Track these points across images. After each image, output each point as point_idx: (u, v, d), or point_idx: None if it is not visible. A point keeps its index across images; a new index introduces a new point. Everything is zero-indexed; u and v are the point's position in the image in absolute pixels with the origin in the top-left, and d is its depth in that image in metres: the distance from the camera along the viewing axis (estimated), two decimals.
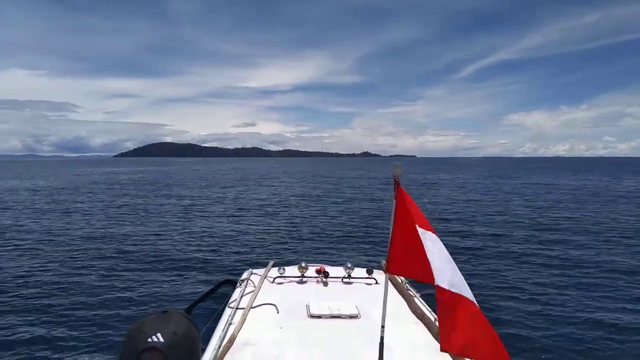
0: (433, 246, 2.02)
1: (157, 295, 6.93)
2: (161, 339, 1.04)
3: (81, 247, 10.41)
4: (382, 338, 2.31)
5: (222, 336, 2.87)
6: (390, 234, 2.21)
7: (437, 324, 3.12)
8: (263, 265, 4.88)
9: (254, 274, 4.47)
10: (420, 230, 2.05)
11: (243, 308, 3.40)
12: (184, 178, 45.10)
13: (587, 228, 13.16)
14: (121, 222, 14.51)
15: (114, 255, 9.65)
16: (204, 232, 12.81)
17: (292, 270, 4.38)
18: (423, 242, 2.01)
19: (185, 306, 5.58)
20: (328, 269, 4.37)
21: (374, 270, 4.35)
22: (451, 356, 2.67)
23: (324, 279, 4.21)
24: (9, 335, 5.38)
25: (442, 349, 1.84)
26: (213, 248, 10.56)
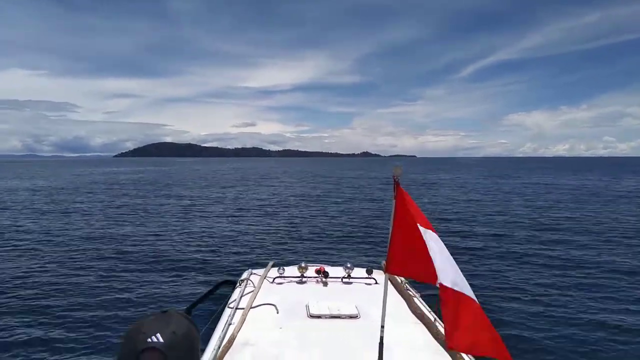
0: (435, 245, 2.03)
1: (156, 296, 6.91)
2: (161, 339, 1.04)
3: (80, 248, 10.39)
4: (381, 338, 2.31)
5: (221, 336, 2.87)
6: (390, 234, 2.21)
7: (437, 324, 3.12)
8: (263, 265, 4.88)
9: (254, 274, 4.47)
10: (422, 229, 2.06)
11: (243, 308, 3.40)
12: (183, 178, 45.09)
13: (588, 228, 13.13)
14: (121, 223, 14.50)
15: (113, 255, 9.62)
16: (203, 232, 12.81)
17: (292, 271, 4.38)
18: (426, 241, 2.02)
19: (185, 306, 5.58)
20: (328, 269, 4.37)
21: (374, 270, 4.35)
22: (451, 356, 2.68)
23: (323, 279, 4.21)
24: (6, 337, 5.34)
25: (448, 347, 1.85)
26: (213, 248, 10.55)
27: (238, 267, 8.37)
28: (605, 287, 7.34)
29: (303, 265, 4.30)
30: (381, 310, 2.30)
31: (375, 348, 2.33)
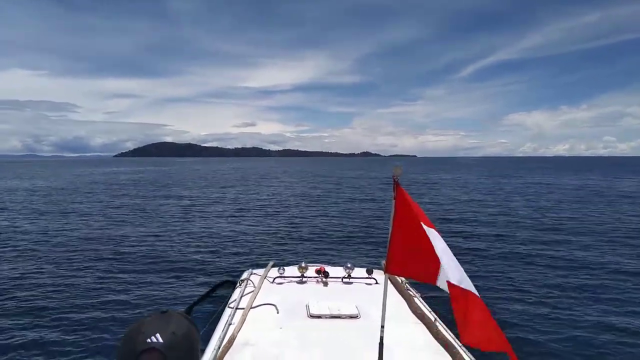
0: (440, 244, 2.04)
1: (156, 297, 6.90)
2: (160, 340, 1.04)
3: (79, 249, 10.35)
4: (381, 338, 2.31)
5: (222, 336, 2.87)
6: (390, 234, 2.21)
7: (437, 324, 3.12)
8: (263, 265, 4.88)
9: (254, 274, 4.47)
10: (425, 228, 2.06)
11: (243, 308, 3.40)
12: (183, 178, 45.09)
13: (591, 228, 13.08)
14: (120, 223, 14.49)
15: (112, 256, 9.59)
16: (203, 232, 12.80)
17: (292, 271, 4.38)
18: (432, 240, 2.03)
19: (185, 307, 5.58)
20: (328, 269, 4.37)
21: (374, 270, 4.34)
22: (451, 356, 2.67)
23: (324, 279, 4.21)
24: (3, 339, 5.27)
25: (463, 343, 1.87)
26: (213, 248, 10.54)
27: (238, 267, 8.37)
28: (610, 289, 7.26)
29: (303, 265, 4.30)
30: (381, 311, 2.30)
31: (375, 348, 2.32)
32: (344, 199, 22.78)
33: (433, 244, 2.02)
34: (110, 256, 9.58)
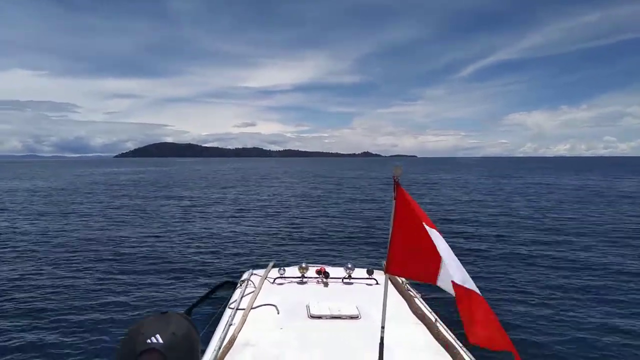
0: (442, 244, 2.04)
1: (157, 298, 6.89)
2: (160, 340, 1.04)
3: (78, 250, 10.33)
4: (382, 339, 2.31)
5: (222, 337, 2.87)
6: (390, 235, 2.21)
7: (437, 324, 3.12)
8: (263, 266, 4.87)
9: (254, 274, 4.46)
10: (427, 228, 2.06)
11: (243, 309, 3.40)
12: (184, 178, 45.10)
13: (592, 229, 13.05)
14: (120, 224, 14.49)
15: (112, 257, 9.57)
16: (204, 233, 12.80)
17: (293, 271, 4.37)
18: (434, 240, 2.02)
19: (186, 307, 5.57)
20: (328, 269, 4.37)
21: (375, 271, 4.34)
22: (451, 356, 2.67)
23: (324, 280, 4.20)
24: (1, 341, 5.23)
25: (470, 342, 1.86)
26: (213, 249, 10.53)
27: (239, 267, 8.36)
28: (613, 290, 7.21)
29: (304, 265, 4.29)
30: (381, 311, 2.29)
31: (375, 348, 2.32)
32: (344, 200, 22.77)
33: (435, 244, 2.02)
34: (110, 257, 9.56)
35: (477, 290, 1.95)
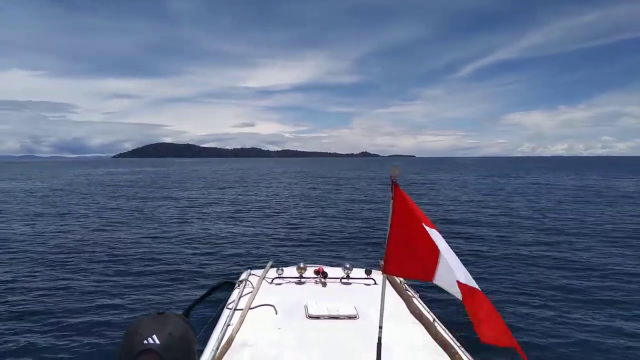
0: (442, 244, 2.04)
1: (154, 299, 6.85)
2: (157, 341, 1.04)
3: (74, 251, 10.24)
4: (379, 339, 2.31)
5: (220, 337, 2.86)
6: (388, 235, 2.21)
7: (435, 324, 3.12)
8: (261, 266, 4.86)
9: (252, 274, 4.46)
10: (427, 228, 2.06)
11: (241, 309, 3.39)
12: (182, 179, 45.05)
13: (592, 229, 13.02)
14: (117, 225, 14.45)
15: (109, 259, 9.49)
16: (202, 233, 12.78)
17: (291, 271, 4.37)
18: (435, 240, 2.03)
19: (184, 308, 5.56)
20: (327, 269, 4.36)
21: (373, 271, 4.34)
22: (449, 356, 2.67)
23: (322, 280, 4.20)
24: None
25: (482, 341, 1.86)
26: (211, 250, 10.51)
27: (237, 268, 8.35)
28: (616, 291, 7.13)
29: (302, 265, 4.29)
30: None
31: (374, 348, 2.32)
32: (342, 200, 22.78)
33: (437, 243, 2.02)
34: (106, 258, 9.48)
35: (479, 289, 1.96)
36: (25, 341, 5.27)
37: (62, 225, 14.26)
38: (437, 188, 30.55)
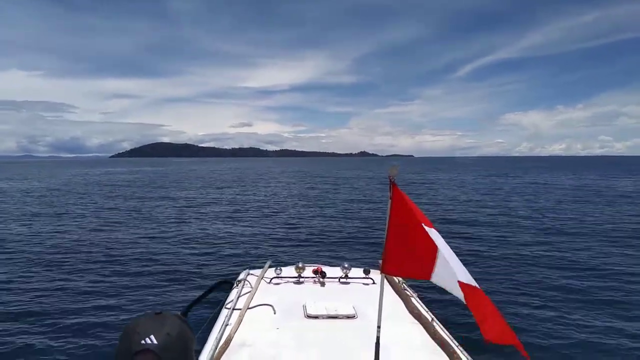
0: (442, 243, 2.04)
1: (152, 299, 6.83)
2: (155, 341, 1.03)
3: (71, 251, 10.18)
4: (378, 338, 2.31)
5: (218, 337, 2.86)
6: (386, 234, 2.21)
7: (434, 324, 3.12)
8: (260, 266, 4.86)
9: (251, 274, 4.45)
10: (426, 228, 2.06)
11: (240, 309, 3.39)
12: (180, 178, 44.98)
13: (593, 228, 13.02)
14: (115, 225, 14.41)
15: (106, 259, 9.44)
16: (200, 233, 12.75)
17: (289, 271, 4.36)
18: (434, 240, 2.03)
19: (182, 308, 5.54)
20: (325, 269, 4.36)
21: (371, 270, 4.34)
22: (448, 356, 2.67)
23: (321, 280, 4.20)
24: None
25: (487, 340, 1.86)
26: (209, 250, 10.49)
27: (235, 268, 8.34)
28: (616, 291, 7.10)
29: (300, 265, 4.28)
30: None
31: (372, 348, 2.32)
32: (341, 199, 22.79)
33: (436, 243, 2.02)
34: (104, 259, 9.43)
35: (480, 288, 1.96)
36: (21, 342, 5.22)
37: (59, 225, 14.19)
38: (435, 188, 30.59)
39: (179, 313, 1.31)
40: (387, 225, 2.19)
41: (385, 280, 2.39)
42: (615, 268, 8.53)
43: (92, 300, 6.68)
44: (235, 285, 4.29)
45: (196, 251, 10.27)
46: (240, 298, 3.69)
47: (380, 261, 2.29)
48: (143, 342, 1.03)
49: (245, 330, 3.03)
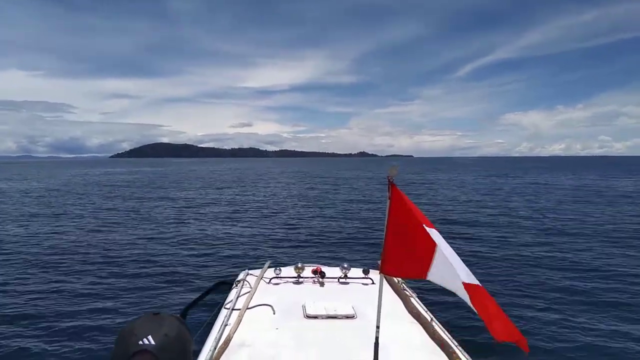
0: (442, 243, 2.04)
1: (151, 300, 6.80)
2: (152, 342, 1.03)
3: (69, 252, 10.13)
4: (377, 338, 2.30)
5: (217, 337, 2.85)
6: (385, 234, 2.21)
7: (433, 323, 3.12)
8: (259, 266, 4.86)
9: (250, 274, 4.45)
10: (427, 228, 2.06)
11: (239, 309, 3.38)
12: (179, 179, 44.95)
13: (594, 229, 12.99)
14: (114, 225, 14.38)
15: (105, 260, 9.40)
16: (199, 234, 12.74)
17: (289, 271, 4.36)
18: (435, 240, 2.02)
19: (181, 308, 5.54)
20: (324, 269, 4.36)
21: (371, 271, 4.33)
22: (447, 355, 2.67)
23: (320, 280, 4.19)
24: None
25: (496, 339, 1.85)
26: (208, 250, 10.47)
27: (234, 269, 8.32)
28: (620, 293, 7.05)
29: (300, 265, 4.28)
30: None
31: (371, 348, 2.32)
32: (340, 200, 22.78)
33: (437, 243, 2.01)
34: (102, 260, 9.38)
35: (482, 286, 1.96)
36: (16, 345, 5.16)
37: (57, 226, 14.15)
38: (435, 188, 30.58)
39: (178, 314, 1.31)
40: (386, 226, 2.19)
41: (384, 281, 2.39)
42: (619, 269, 8.46)
43: (88, 303, 6.62)
44: (234, 285, 4.28)
45: (195, 252, 10.25)
46: (239, 298, 3.69)
47: (380, 261, 2.29)
48: (141, 342, 1.02)
49: (244, 330, 3.03)
